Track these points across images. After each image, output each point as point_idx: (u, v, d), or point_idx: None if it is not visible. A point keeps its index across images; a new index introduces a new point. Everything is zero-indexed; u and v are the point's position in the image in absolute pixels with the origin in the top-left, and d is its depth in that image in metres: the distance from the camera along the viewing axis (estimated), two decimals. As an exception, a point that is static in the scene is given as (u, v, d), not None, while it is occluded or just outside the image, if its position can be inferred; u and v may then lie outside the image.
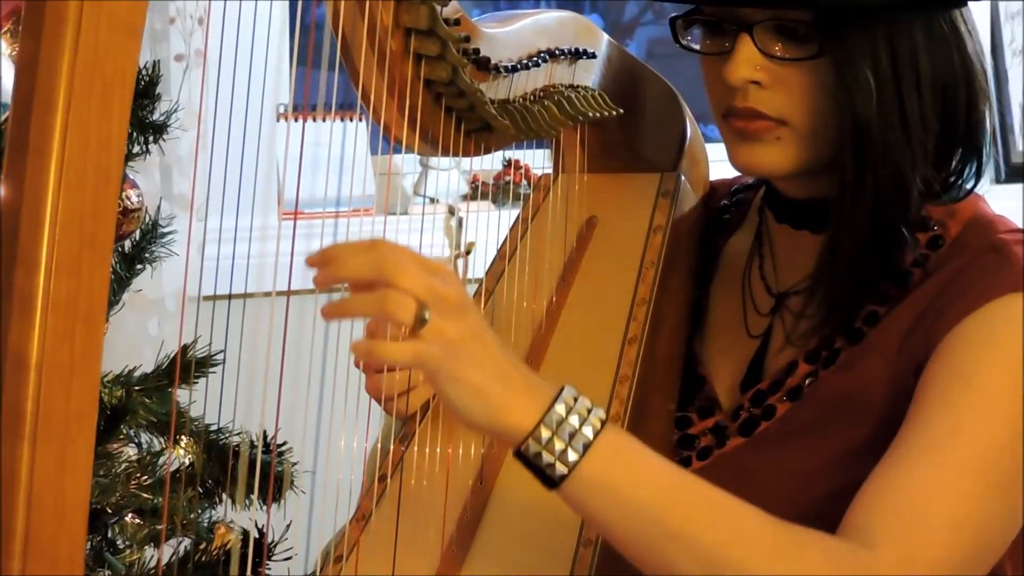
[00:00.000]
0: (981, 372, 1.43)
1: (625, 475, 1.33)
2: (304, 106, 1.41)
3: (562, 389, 1.32)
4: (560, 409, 1.31)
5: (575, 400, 1.32)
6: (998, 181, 1.43)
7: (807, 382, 1.52)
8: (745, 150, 1.51)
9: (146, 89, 2.20)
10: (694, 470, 1.52)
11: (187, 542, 2.17)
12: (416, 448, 1.53)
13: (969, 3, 1.51)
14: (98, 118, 1.14)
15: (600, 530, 1.37)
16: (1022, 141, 3.79)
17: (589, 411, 1.32)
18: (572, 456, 1.30)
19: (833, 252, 1.49)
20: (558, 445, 1.30)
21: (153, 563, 2.16)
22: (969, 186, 1.53)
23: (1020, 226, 1.54)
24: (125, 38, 1.15)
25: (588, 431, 1.31)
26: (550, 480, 1.31)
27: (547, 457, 1.30)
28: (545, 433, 1.30)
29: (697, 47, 1.54)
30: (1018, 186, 3.63)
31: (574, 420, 1.31)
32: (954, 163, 1.52)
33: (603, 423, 1.32)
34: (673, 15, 1.54)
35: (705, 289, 1.65)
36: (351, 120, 2.91)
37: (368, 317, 1.31)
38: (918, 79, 1.47)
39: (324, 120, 2.76)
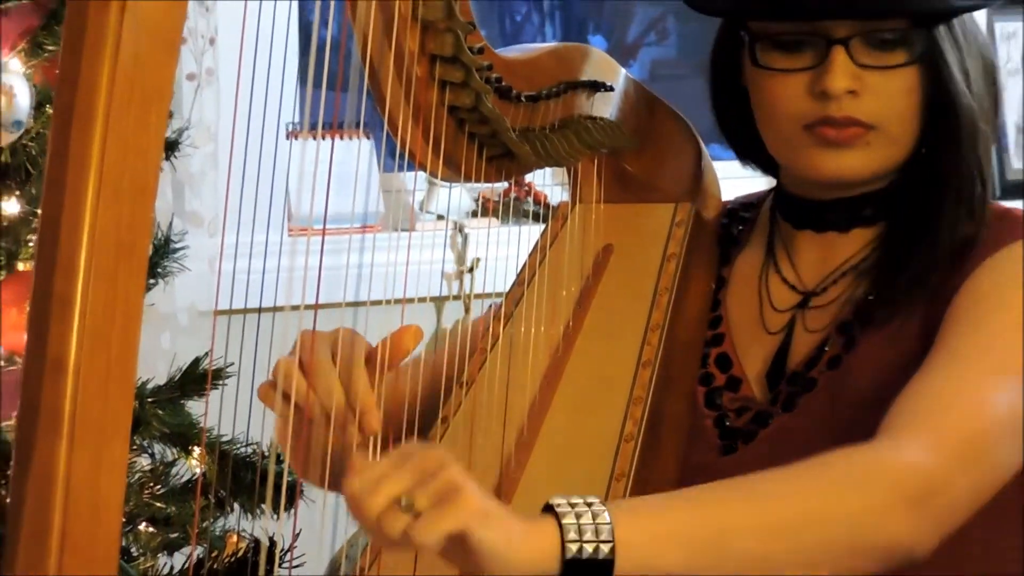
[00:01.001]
0: (1007, 295, 1.48)
1: (656, 514, 1.31)
2: (320, 124, 1.43)
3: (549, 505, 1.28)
4: (559, 503, 1.27)
5: (560, 496, 1.28)
6: (994, 198, 1.46)
7: (846, 349, 1.55)
8: (833, 157, 1.54)
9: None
10: (740, 453, 1.55)
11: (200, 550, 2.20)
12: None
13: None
14: (136, 130, 1.16)
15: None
16: (1017, 159, 3.85)
17: (577, 498, 1.28)
18: (604, 529, 1.25)
19: (928, 242, 1.54)
20: (588, 531, 1.25)
21: (166, 571, 2.18)
22: None
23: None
24: (164, 52, 1.17)
25: (596, 504, 1.27)
26: (604, 565, 1.26)
27: (588, 548, 1.25)
28: (572, 529, 1.25)
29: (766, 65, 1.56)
30: (1015, 204, 3.69)
31: (577, 502, 1.27)
32: None
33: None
34: (748, 39, 1.57)
35: (720, 300, 1.67)
36: (357, 138, 2.93)
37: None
38: (981, 71, 1.56)
39: (339, 138, 2.78)
